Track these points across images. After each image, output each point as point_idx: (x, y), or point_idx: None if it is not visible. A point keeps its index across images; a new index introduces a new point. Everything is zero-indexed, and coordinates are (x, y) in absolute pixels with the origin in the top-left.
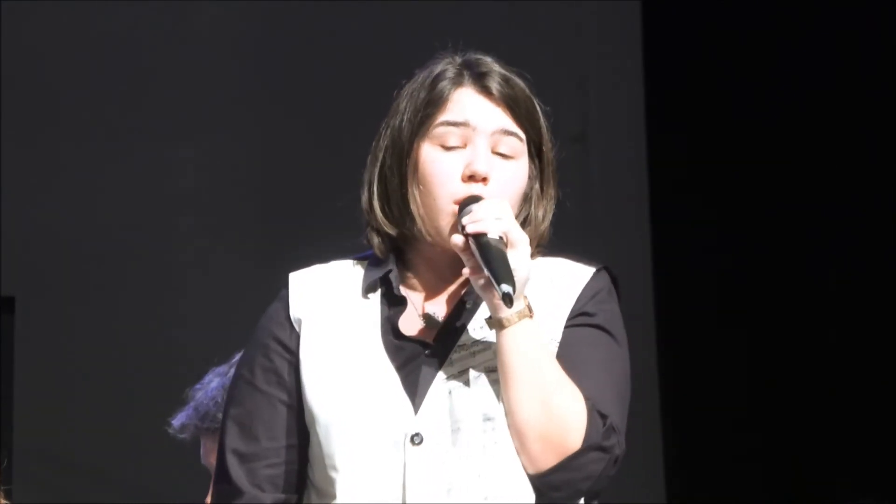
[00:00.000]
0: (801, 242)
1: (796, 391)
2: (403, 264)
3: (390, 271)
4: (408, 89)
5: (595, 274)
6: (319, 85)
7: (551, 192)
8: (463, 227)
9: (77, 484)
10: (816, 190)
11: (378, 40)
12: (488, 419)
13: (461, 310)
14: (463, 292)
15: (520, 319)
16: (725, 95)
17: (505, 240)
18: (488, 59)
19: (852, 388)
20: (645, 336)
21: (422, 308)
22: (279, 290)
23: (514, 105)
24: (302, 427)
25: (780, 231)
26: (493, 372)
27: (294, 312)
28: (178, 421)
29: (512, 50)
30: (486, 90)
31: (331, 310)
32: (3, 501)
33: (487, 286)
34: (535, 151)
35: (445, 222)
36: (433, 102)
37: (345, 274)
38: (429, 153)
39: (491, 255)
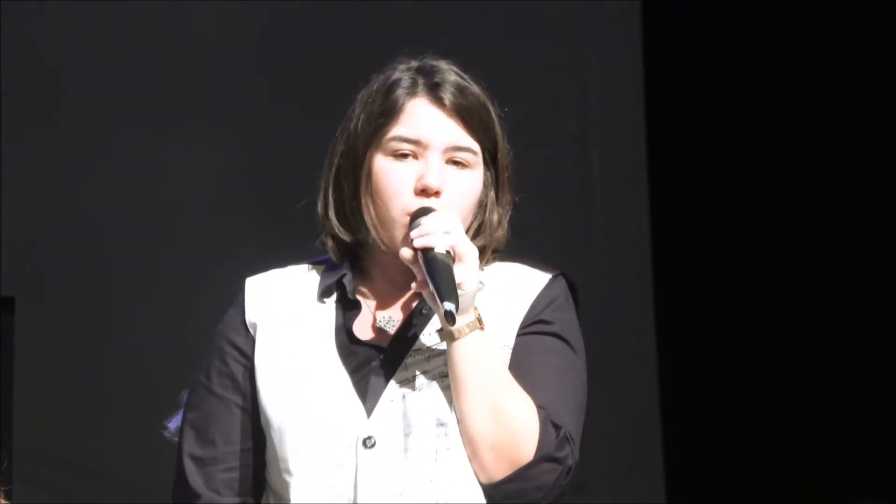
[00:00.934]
0: (801, 242)
1: (796, 391)
2: (359, 269)
3: (344, 276)
4: (363, 95)
5: (551, 281)
6: (320, 85)
7: (507, 198)
8: (411, 241)
9: (77, 484)
10: (817, 190)
11: (378, 40)
12: (441, 424)
13: (416, 315)
14: (418, 299)
15: (470, 331)
16: (725, 95)
17: (452, 253)
18: (444, 66)
19: (852, 389)
20: (645, 336)
21: (376, 313)
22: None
23: (467, 116)
24: (258, 430)
25: (781, 231)
26: (447, 377)
27: (250, 317)
28: (173, 424)
29: (512, 50)
30: (439, 101)
31: (286, 314)
32: (2, 501)
33: (434, 300)
34: (490, 159)
35: (398, 233)
36: (386, 113)
37: (301, 278)
38: (382, 164)
39: (436, 271)
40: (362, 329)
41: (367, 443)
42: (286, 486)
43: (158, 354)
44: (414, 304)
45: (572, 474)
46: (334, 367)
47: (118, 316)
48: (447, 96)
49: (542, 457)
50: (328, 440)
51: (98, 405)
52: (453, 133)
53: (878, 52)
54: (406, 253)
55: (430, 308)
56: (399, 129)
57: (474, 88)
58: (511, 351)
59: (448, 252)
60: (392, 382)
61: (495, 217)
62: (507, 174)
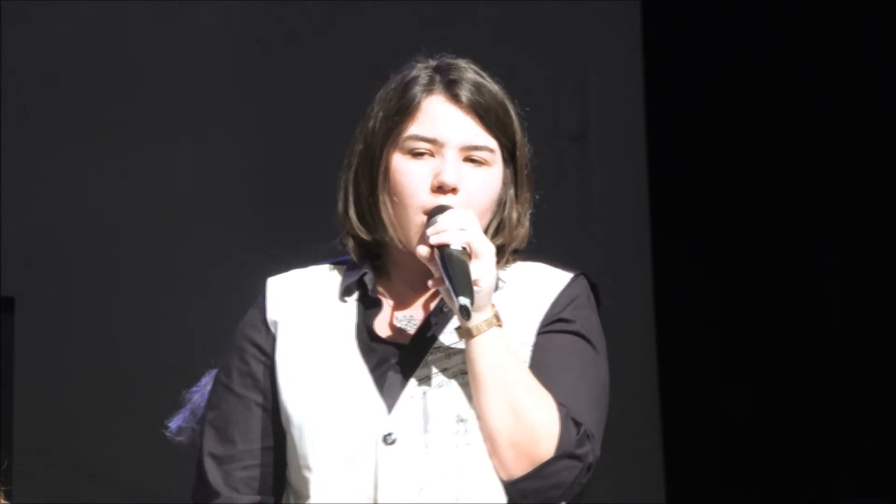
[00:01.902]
0: (802, 243)
1: (796, 391)
2: (379, 269)
3: (366, 274)
4: (381, 94)
5: (572, 280)
6: (320, 85)
7: (526, 195)
8: (427, 238)
9: (77, 484)
10: (818, 191)
11: (378, 40)
12: (461, 420)
13: (436, 314)
14: (437, 298)
15: (488, 328)
16: (725, 95)
17: (468, 250)
18: (462, 64)
19: (852, 389)
20: (645, 335)
21: (396, 312)
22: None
23: (484, 114)
24: (278, 429)
25: (781, 231)
26: (467, 374)
27: (270, 316)
28: (174, 424)
29: (512, 50)
30: (455, 98)
31: (307, 313)
32: (3, 501)
33: (450, 296)
34: (509, 156)
35: (415, 232)
36: (403, 111)
37: (322, 278)
38: (398, 162)
39: (451, 267)
40: (383, 327)
41: (388, 439)
42: (306, 483)
43: (159, 354)
44: (434, 303)
45: (593, 472)
46: (355, 365)
47: (118, 316)
48: (464, 94)
49: (561, 454)
50: (348, 437)
51: (98, 405)
52: (469, 131)
53: (879, 49)
54: (422, 250)
55: (450, 306)
56: (415, 127)
57: (492, 86)
58: (532, 349)
59: (464, 249)
60: (412, 380)
61: (514, 215)
62: (525, 171)
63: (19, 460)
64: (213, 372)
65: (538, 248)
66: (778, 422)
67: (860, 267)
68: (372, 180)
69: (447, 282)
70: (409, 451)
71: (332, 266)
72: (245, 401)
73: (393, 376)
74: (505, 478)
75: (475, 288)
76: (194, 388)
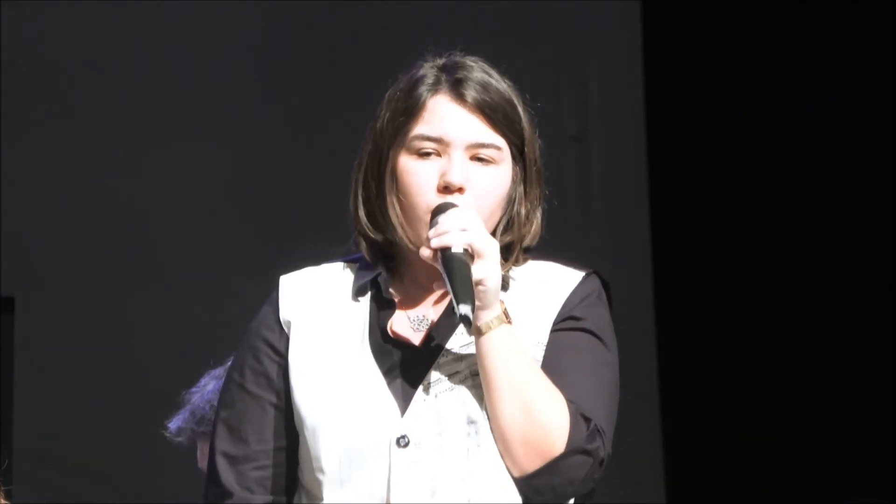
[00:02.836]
0: (802, 243)
1: (796, 391)
2: (391, 269)
3: (379, 274)
4: (389, 94)
5: (584, 278)
6: (320, 85)
7: (536, 192)
8: (429, 240)
9: (77, 484)
10: (818, 190)
11: (377, 40)
12: (472, 422)
13: (448, 314)
14: (449, 298)
15: (497, 325)
16: (725, 95)
17: (470, 251)
18: (469, 62)
19: (852, 388)
20: (645, 336)
21: (409, 312)
22: (270, 294)
23: (490, 112)
24: (291, 429)
25: (782, 232)
26: (478, 376)
27: (284, 315)
28: (174, 424)
29: (512, 49)
30: (461, 98)
31: (320, 312)
32: (3, 501)
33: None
34: (518, 154)
35: (423, 232)
36: (409, 111)
37: (335, 277)
38: (405, 163)
39: (452, 272)
40: (396, 328)
41: (401, 442)
42: (318, 484)
43: (158, 354)
44: (445, 303)
45: (604, 467)
46: (368, 367)
47: (118, 316)
48: (469, 92)
49: (572, 449)
50: (362, 439)
51: (98, 405)
52: (475, 129)
53: (879, 49)
54: (425, 253)
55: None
56: (421, 127)
57: (499, 84)
58: (544, 348)
59: (465, 250)
60: (425, 382)
61: (524, 211)
62: (535, 168)
63: (19, 460)
64: (213, 372)
65: (538, 248)
66: (778, 422)
67: (860, 267)
68: (380, 181)
69: (448, 287)
70: (422, 454)
71: (344, 265)
72: (259, 400)
73: (406, 378)
74: (517, 475)
75: (480, 288)
76: (194, 389)
